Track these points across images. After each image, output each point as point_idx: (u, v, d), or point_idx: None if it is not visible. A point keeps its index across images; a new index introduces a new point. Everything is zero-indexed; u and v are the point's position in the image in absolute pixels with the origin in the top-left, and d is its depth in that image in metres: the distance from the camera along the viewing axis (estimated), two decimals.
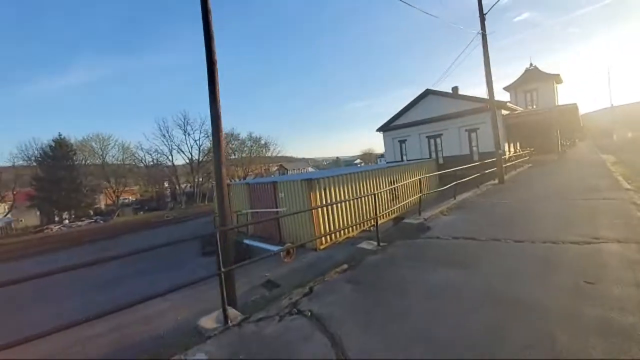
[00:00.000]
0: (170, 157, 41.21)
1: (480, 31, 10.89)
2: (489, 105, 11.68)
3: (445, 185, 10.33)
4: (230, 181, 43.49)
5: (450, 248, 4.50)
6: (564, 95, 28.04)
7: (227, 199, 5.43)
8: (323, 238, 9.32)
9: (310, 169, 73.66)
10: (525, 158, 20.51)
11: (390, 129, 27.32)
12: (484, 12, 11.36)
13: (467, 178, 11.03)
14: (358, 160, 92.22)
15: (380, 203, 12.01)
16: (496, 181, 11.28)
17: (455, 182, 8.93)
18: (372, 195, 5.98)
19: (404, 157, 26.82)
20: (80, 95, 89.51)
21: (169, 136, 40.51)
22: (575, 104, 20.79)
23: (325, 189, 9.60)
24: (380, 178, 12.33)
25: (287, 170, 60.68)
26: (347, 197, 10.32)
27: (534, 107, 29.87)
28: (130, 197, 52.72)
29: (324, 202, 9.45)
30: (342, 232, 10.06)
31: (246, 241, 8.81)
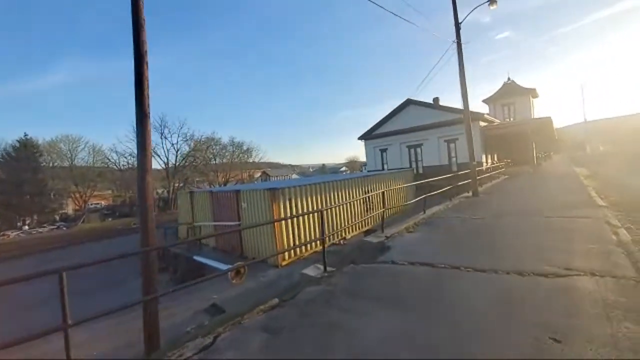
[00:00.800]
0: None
1: (455, 40, 10.64)
2: (464, 115, 11.39)
3: (423, 195, 9.89)
4: (211, 187, 41.96)
5: (401, 279, 3.85)
6: (540, 109, 28.89)
7: (152, 212, 4.58)
8: (286, 253, 8.53)
9: (294, 176, 72.82)
10: (502, 169, 20.60)
11: (371, 138, 27.05)
12: (459, 21, 11.17)
13: (443, 189, 10.64)
14: (344, 168, 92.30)
15: (352, 214, 11.36)
16: (470, 193, 10.92)
17: (425, 195, 8.44)
18: (339, 207, 5.25)
19: (385, 166, 26.54)
20: (57, 96, 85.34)
21: None
22: (550, 117, 21.20)
23: (290, 200, 8.85)
24: (354, 188, 11.71)
25: (270, 176, 59.48)
26: (316, 208, 9.62)
27: (511, 119, 30.50)
28: (101, 202, 49.98)
29: (290, 214, 8.70)
30: (308, 245, 9.30)
31: (196, 257, 7.90)
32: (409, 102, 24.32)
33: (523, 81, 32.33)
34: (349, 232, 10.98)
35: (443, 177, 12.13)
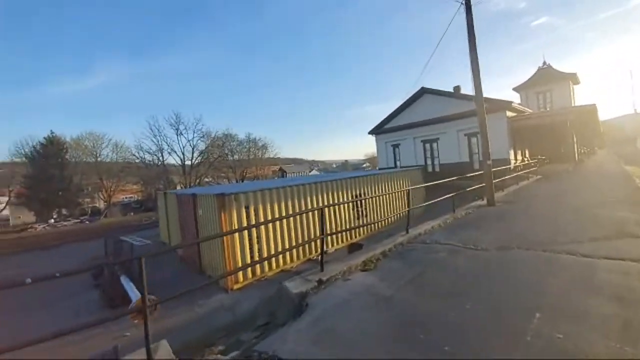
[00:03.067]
0: (160, 157, 39.81)
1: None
2: (475, 98, 9.16)
3: (436, 198, 7.94)
4: (219, 184, 41.71)
5: None
6: (581, 99, 24.95)
7: None
8: (241, 274, 7.04)
9: (314, 172, 71.52)
10: (534, 168, 17.64)
11: (382, 132, 24.81)
12: None
13: (459, 192, 8.56)
14: (366, 164, 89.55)
15: (339, 221, 9.65)
16: (485, 201, 8.73)
17: (409, 209, 6.52)
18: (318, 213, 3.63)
19: (398, 163, 24.23)
20: (87, 97, 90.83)
21: (161, 135, 39.13)
22: (594, 104, 17.79)
23: (248, 207, 7.32)
24: (340, 192, 9.91)
25: (286, 173, 58.30)
26: (288, 215, 8.04)
27: (548, 109, 26.74)
28: (134, 196, 51.58)
29: (247, 223, 7.20)
30: (274, 263, 7.77)
31: (122, 278, 6.55)
32: (423, 92, 21.80)
33: (561, 67, 28.22)
34: (333, 243, 9.28)
35: (452, 178, 10.00)
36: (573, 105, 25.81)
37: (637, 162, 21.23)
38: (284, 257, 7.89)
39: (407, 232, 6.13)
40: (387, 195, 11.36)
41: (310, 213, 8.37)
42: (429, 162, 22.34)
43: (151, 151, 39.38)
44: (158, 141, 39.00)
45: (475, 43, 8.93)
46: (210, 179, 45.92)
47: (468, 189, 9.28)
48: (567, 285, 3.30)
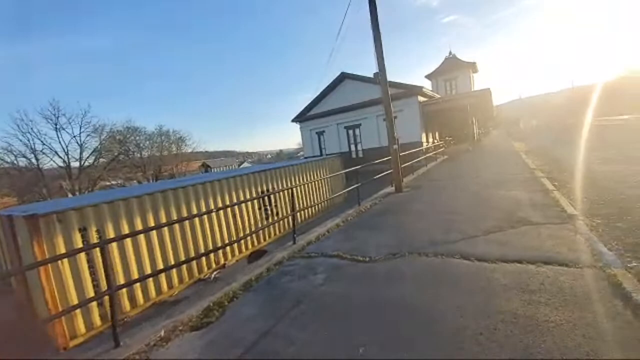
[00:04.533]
0: (34, 159, 31.35)
1: None
2: (380, 80, 8.57)
3: (354, 185, 6.97)
4: (123, 186, 35.44)
5: None
6: (480, 86, 28.18)
7: None
8: (81, 322, 4.89)
9: (245, 164, 67.43)
10: (442, 149, 18.92)
11: (307, 119, 23.76)
12: None
13: (373, 177, 7.93)
14: (301, 153, 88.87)
15: (238, 227, 8.04)
16: (393, 188, 8.30)
17: (293, 212, 5.46)
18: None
19: (323, 152, 23.65)
20: None
21: (32, 132, 30.61)
22: (489, 88, 19.80)
23: (86, 229, 5.16)
24: (242, 190, 8.28)
25: (211, 168, 53.22)
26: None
27: (453, 94, 29.45)
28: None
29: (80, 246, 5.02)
30: (141, 295, 5.77)
31: None
32: (344, 77, 21.31)
33: (464, 57, 31.30)
34: (235, 252, 7.68)
35: (364, 165, 9.40)
36: (473, 90, 28.82)
37: (521, 139, 25.07)
38: (163, 282, 6.01)
39: (294, 242, 5.00)
40: (302, 188, 10.18)
41: (200, 221, 6.63)
42: (352, 148, 22.28)
43: (20, 153, 30.63)
44: (29, 139, 30.56)
45: (377, 23, 8.21)
46: (120, 181, 38.72)
47: (380, 175, 8.85)
48: (456, 322, 2.47)
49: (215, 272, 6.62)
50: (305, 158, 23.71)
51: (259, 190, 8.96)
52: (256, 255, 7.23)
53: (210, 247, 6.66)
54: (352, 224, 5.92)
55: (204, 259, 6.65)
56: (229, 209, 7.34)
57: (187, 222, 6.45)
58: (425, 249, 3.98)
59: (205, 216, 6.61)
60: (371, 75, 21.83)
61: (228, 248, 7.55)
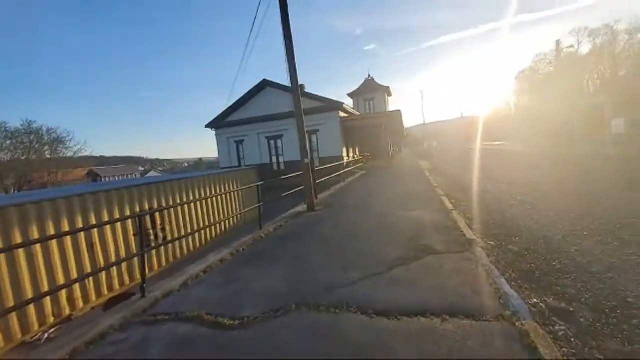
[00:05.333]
0: None
1: None
2: (293, 92, 7.79)
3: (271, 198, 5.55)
4: None
5: None
6: (393, 108, 31.00)
7: None
8: None
9: (153, 173, 58.60)
10: (360, 164, 19.53)
11: (224, 126, 21.60)
12: None
13: (289, 192, 6.81)
14: None
15: (89, 262, 5.74)
16: (305, 207, 7.44)
17: (140, 253, 4.00)
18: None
19: (243, 162, 21.79)
20: None
21: None
22: (399, 110, 21.56)
23: None
24: (106, 211, 6.02)
25: (100, 177, 43.83)
26: None
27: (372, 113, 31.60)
28: None
29: None
30: None
31: None
32: (266, 84, 20.18)
33: (380, 81, 34.13)
34: (91, 297, 5.40)
35: (271, 180, 8.34)
36: (387, 111, 31.39)
37: (425, 158, 28.29)
38: None
39: (143, 295, 3.47)
40: (200, 204, 8.29)
41: (28, 255, 4.29)
42: (274, 159, 21.12)
43: None
44: None
45: (289, 25, 7.42)
46: None
47: (296, 190, 7.93)
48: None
49: (51, 330, 4.34)
50: (222, 168, 21.38)
51: (138, 209, 6.80)
52: (117, 300, 5.19)
53: (47, 288, 4.36)
54: (242, 257, 4.64)
55: (32, 307, 4.32)
56: (82, 236, 5.14)
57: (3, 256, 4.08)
58: (318, 298, 3.02)
59: (37, 247, 4.32)
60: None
61: (79, 290, 5.26)
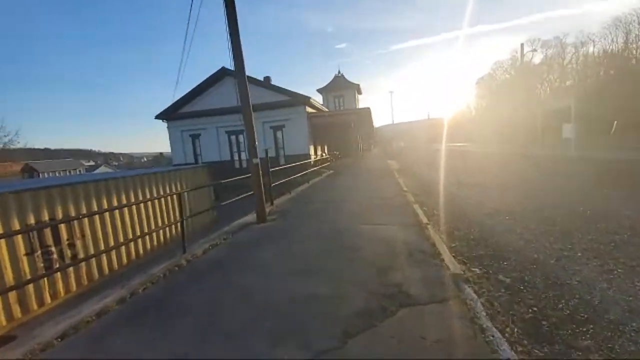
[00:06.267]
0: None
1: None
2: (236, 78, 6.44)
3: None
4: None
5: None
6: (363, 106, 30.46)
7: None
8: None
9: (103, 169, 52.76)
10: (328, 163, 18.52)
11: (177, 118, 19.31)
12: None
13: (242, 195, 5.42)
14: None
15: None
16: (255, 217, 6.14)
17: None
18: None
19: (199, 159, 19.72)
20: None
21: None
22: (369, 107, 20.86)
23: None
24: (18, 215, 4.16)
25: (39, 172, 38.13)
26: None
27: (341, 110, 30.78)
28: None
29: None
30: None
31: None
32: (225, 73, 18.26)
33: (351, 79, 33.39)
34: None
35: (226, 180, 6.96)
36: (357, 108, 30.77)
37: (393, 157, 28.15)
38: None
39: None
40: (133, 212, 6.56)
41: None
42: (236, 156, 19.35)
43: None
44: None
45: (235, 16, 6.02)
46: None
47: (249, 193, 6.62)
48: None
49: None
50: (174, 165, 19.07)
51: (33, 221, 4.97)
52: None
53: None
54: (133, 308, 3.12)
55: None
56: None
57: None
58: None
59: None
60: (261, 79, 19.75)
61: None
